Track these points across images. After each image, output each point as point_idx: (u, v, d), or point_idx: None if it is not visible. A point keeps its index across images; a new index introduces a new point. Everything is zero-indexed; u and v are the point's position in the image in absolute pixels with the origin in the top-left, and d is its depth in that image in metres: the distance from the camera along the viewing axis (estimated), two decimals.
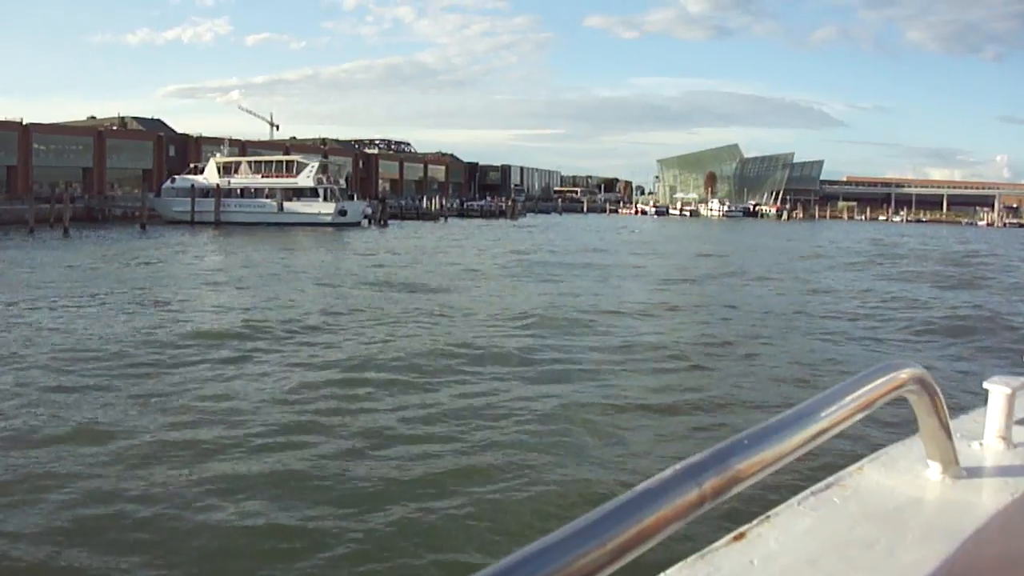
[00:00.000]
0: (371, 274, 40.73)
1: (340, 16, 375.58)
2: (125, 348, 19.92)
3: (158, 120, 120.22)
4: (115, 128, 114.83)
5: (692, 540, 1.13)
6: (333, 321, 24.81)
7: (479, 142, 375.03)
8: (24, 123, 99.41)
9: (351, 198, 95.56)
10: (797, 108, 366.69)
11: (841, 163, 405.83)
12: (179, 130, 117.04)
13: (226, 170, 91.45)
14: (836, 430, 1.66)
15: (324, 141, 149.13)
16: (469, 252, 58.40)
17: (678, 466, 1.29)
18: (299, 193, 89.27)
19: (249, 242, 66.58)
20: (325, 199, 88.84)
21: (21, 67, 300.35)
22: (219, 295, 31.69)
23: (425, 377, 17.29)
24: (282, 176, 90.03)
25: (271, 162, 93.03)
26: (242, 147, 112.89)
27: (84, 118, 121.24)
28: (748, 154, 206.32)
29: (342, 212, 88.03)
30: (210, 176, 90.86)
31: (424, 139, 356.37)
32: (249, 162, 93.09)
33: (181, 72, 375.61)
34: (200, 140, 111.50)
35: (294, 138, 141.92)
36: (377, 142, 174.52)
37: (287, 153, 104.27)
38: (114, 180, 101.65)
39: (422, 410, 14.84)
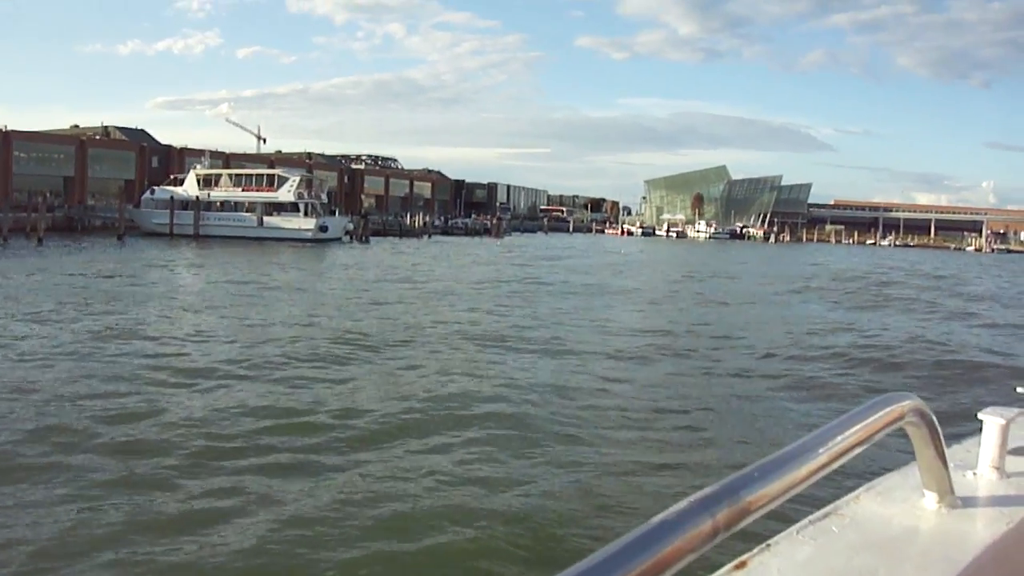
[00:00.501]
0: (342, 298, 39.09)
1: (331, 31, 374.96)
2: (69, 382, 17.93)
3: (141, 130, 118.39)
4: (98, 137, 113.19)
5: (693, 569, 1.15)
6: (283, 359, 21.31)
7: (467, 160, 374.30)
8: (5, 129, 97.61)
9: (333, 213, 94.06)
10: (785, 131, 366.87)
11: (828, 186, 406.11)
12: (169, 142, 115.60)
13: (206, 182, 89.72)
14: (841, 461, 1.70)
15: (310, 155, 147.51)
16: (444, 273, 56.98)
17: (692, 498, 1.31)
18: (280, 208, 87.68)
19: (226, 257, 64.86)
20: (306, 214, 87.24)
21: (8, 75, 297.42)
22: (184, 319, 29.94)
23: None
24: (263, 190, 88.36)
25: (251, 175, 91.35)
26: (226, 159, 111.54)
27: (68, 127, 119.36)
28: (736, 176, 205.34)
29: (323, 228, 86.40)
30: (190, 188, 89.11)
31: (412, 156, 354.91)
32: (229, 175, 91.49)
33: (171, 84, 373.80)
34: (184, 151, 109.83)
35: (280, 151, 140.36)
36: (364, 158, 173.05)
37: (272, 167, 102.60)
38: (96, 190, 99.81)
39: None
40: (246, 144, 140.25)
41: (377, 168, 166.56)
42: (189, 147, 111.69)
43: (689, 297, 44.75)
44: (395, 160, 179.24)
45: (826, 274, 68.06)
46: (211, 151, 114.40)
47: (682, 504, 1.27)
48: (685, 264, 79.68)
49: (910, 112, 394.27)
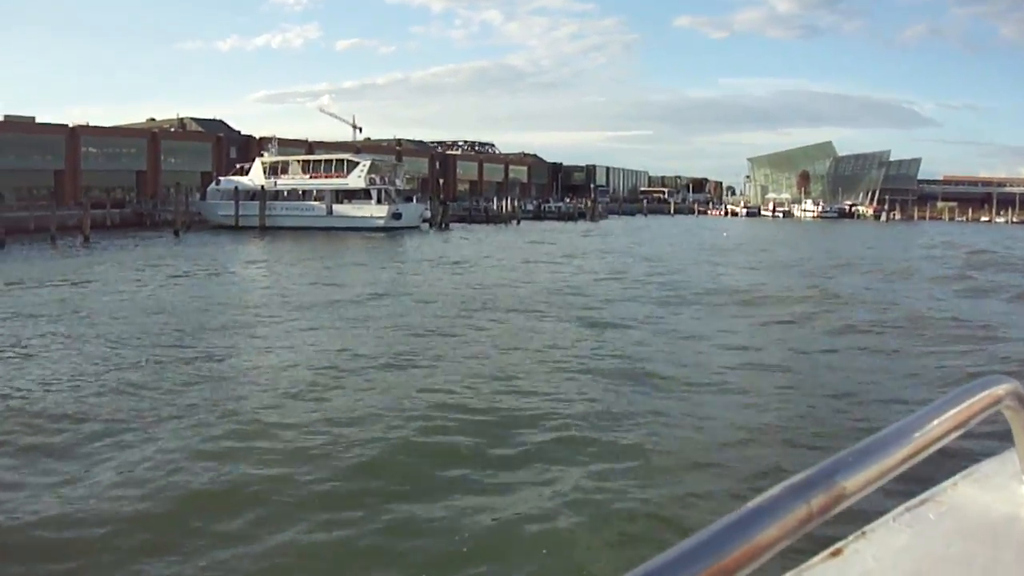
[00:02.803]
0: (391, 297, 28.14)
1: (429, 20, 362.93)
2: None
3: (219, 121, 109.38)
4: (172, 130, 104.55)
5: (787, 555, 1.17)
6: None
7: (568, 144, 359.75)
8: (71, 126, 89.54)
9: (409, 199, 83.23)
10: (887, 107, 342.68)
11: (932, 162, 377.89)
12: (269, 134, 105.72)
13: (273, 170, 79.92)
14: (936, 446, 1.60)
15: (399, 142, 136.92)
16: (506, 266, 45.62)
17: (786, 483, 1.25)
18: (351, 195, 77.42)
19: (291, 251, 55.82)
20: (379, 201, 76.73)
21: (113, 75, 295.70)
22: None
23: None
24: (332, 176, 78.10)
25: (320, 161, 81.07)
26: (309, 148, 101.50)
27: (144, 120, 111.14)
28: (841, 153, 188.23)
29: (396, 215, 75.92)
30: (256, 177, 79.53)
31: (512, 142, 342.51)
32: (297, 161, 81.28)
33: (271, 78, 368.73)
34: (262, 140, 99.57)
35: (369, 139, 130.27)
36: (460, 143, 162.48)
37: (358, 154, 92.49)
38: (171, 183, 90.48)
39: None
40: (344, 135, 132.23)
41: (472, 153, 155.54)
42: (267, 136, 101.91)
43: (850, 314, 28.37)
44: (492, 145, 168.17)
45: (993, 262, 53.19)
46: (294, 140, 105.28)
47: (776, 489, 1.22)
48: (802, 249, 65.62)
49: (1015, 85, 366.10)
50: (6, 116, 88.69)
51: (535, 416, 14.40)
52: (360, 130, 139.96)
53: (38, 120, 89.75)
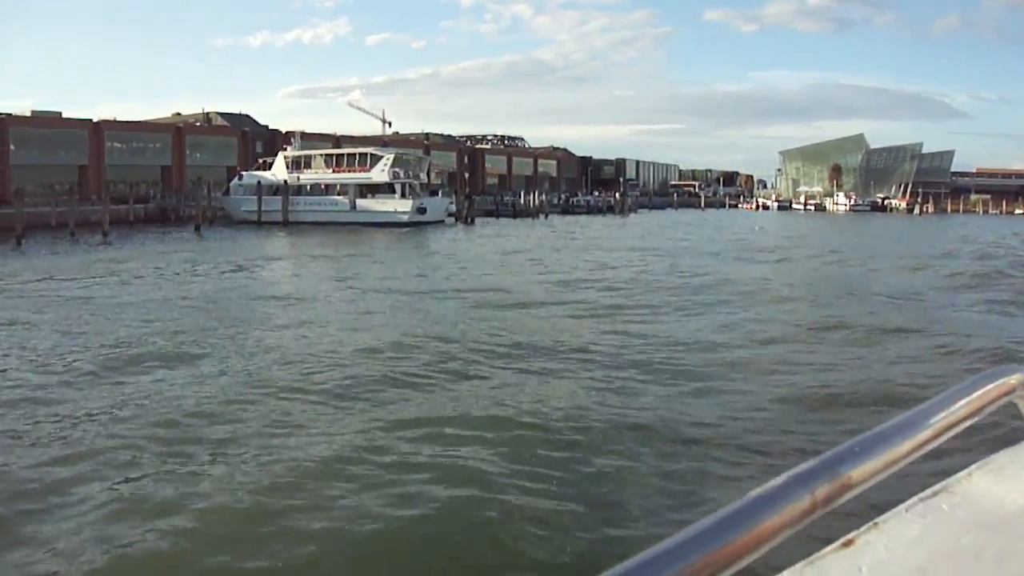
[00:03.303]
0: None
1: (459, 15, 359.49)
2: None
3: (244, 115, 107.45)
4: (198, 124, 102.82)
5: (798, 546, 1.17)
6: None
7: (598, 138, 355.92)
8: (96, 120, 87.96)
9: (435, 194, 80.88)
10: (918, 100, 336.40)
11: (965, 155, 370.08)
12: (301, 129, 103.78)
13: (296, 165, 77.81)
14: (946, 436, 1.59)
15: (427, 136, 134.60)
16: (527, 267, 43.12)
17: (789, 473, 1.24)
18: (374, 189, 75.08)
19: (310, 247, 53.50)
20: (403, 195, 74.44)
21: (146, 71, 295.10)
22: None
23: None
24: (355, 170, 75.90)
25: (343, 155, 78.88)
26: (336, 142, 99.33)
27: (170, 115, 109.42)
28: (873, 146, 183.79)
29: (421, 210, 73.49)
30: (278, 172, 77.52)
31: (542, 136, 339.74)
32: (320, 155, 79.14)
33: (302, 73, 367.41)
34: (289, 135, 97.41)
35: (397, 133, 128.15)
36: (489, 137, 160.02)
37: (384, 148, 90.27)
38: (196, 178, 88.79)
39: None
40: (374, 130, 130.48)
41: (501, 147, 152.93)
42: (294, 131, 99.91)
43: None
44: (521, 139, 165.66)
45: None
46: (320, 134, 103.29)
47: (779, 479, 1.21)
48: (840, 246, 59.82)
49: None
50: (33, 112, 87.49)
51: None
52: (389, 124, 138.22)
53: (65, 116, 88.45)
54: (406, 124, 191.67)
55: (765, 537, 1.12)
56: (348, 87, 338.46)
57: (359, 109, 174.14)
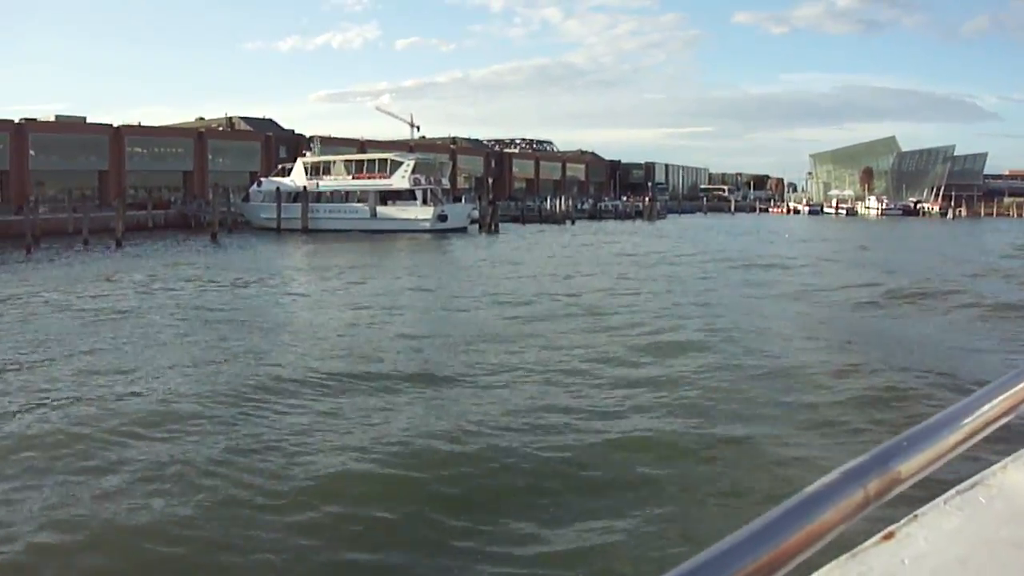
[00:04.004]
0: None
1: (488, 19, 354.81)
2: None
3: (268, 120, 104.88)
4: (220, 128, 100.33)
5: (840, 539, 1.19)
6: None
7: (628, 141, 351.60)
8: (116, 125, 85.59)
9: (457, 200, 77.81)
10: (948, 102, 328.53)
11: (995, 157, 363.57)
12: (331, 134, 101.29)
13: (315, 170, 74.90)
14: (990, 429, 1.59)
15: (454, 140, 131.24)
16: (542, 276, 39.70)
17: (842, 469, 1.24)
18: (395, 196, 72.09)
19: (327, 258, 50.25)
20: (424, 202, 71.35)
21: (177, 77, 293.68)
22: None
23: None
24: (375, 176, 72.88)
25: (363, 161, 75.79)
26: (361, 147, 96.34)
27: (193, 119, 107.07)
28: (903, 148, 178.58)
29: (442, 217, 70.34)
30: (297, 178, 74.63)
31: (572, 139, 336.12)
32: (339, 161, 76.14)
33: (332, 78, 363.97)
34: (313, 139, 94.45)
35: (423, 137, 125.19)
36: (518, 141, 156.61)
37: (410, 153, 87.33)
38: (218, 184, 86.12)
39: None
40: (404, 134, 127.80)
41: (529, 151, 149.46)
42: (332, 136, 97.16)
43: None
44: (550, 143, 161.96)
45: None
46: (345, 139, 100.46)
47: (834, 475, 1.21)
48: (883, 259, 52.38)
49: None
50: (57, 116, 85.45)
51: None
52: (418, 128, 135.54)
53: (89, 121, 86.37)
54: (435, 128, 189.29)
55: (822, 532, 1.11)
56: (378, 91, 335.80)
57: (387, 113, 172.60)
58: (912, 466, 1.31)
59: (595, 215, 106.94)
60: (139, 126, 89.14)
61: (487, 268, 44.26)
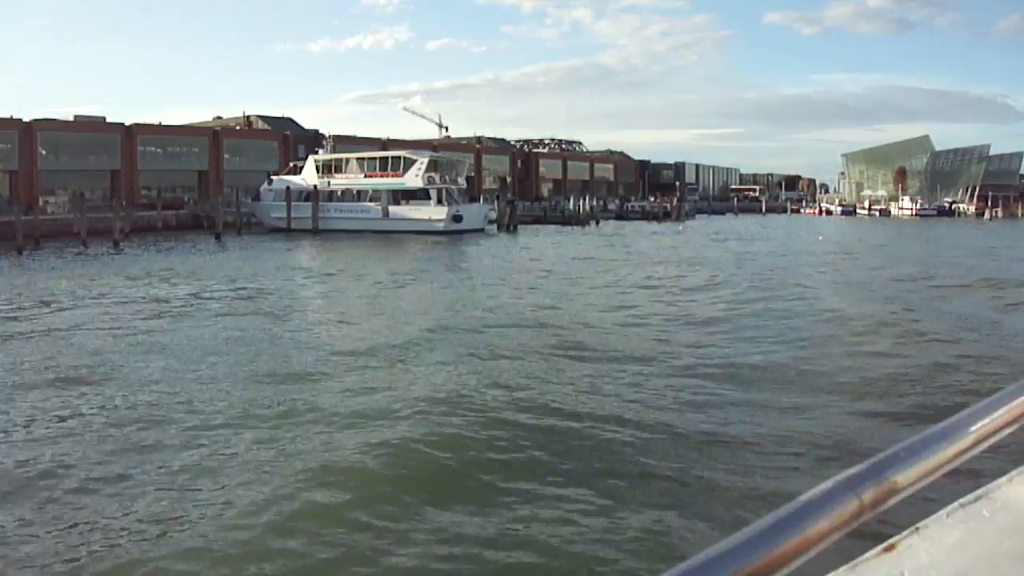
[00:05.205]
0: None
1: (519, 20, 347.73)
2: None
3: (287, 119, 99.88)
4: (238, 127, 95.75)
5: (838, 549, 1.19)
6: None
7: (659, 142, 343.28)
8: (128, 124, 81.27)
9: (474, 200, 72.71)
10: (981, 102, 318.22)
11: None
12: (366, 135, 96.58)
13: (327, 169, 70.00)
14: (989, 442, 1.54)
15: (479, 139, 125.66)
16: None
17: (837, 477, 1.21)
18: (409, 195, 67.06)
19: (331, 263, 45.37)
20: (438, 202, 66.23)
21: (209, 78, 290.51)
22: None
23: None
24: (387, 175, 67.86)
25: (375, 159, 70.68)
26: (383, 146, 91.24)
27: (211, 119, 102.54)
28: (936, 148, 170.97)
29: (456, 217, 65.21)
30: (308, 177, 69.82)
31: (601, 140, 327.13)
32: (351, 159, 71.18)
33: (363, 79, 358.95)
34: (333, 138, 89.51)
35: (448, 137, 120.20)
36: (547, 141, 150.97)
37: (435, 152, 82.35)
38: (235, 183, 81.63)
39: None
40: (431, 134, 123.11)
41: (557, 151, 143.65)
42: (338, 134, 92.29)
43: None
44: (579, 143, 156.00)
45: None
46: (367, 138, 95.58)
47: (827, 483, 1.18)
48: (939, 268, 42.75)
49: None
50: (76, 117, 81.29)
51: None
52: (446, 129, 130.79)
53: (109, 120, 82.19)
54: (465, 129, 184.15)
55: (814, 540, 1.09)
56: (409, 93, 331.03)
57: (414, 113, 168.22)
58: (910, 476, 1.27)
59: (622, 216, 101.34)
60: (152, 125, 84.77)
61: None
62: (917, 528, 1.79)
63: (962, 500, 1.92)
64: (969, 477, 1.78)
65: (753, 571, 1.00)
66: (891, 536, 1.73)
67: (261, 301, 29.17)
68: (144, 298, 29.44)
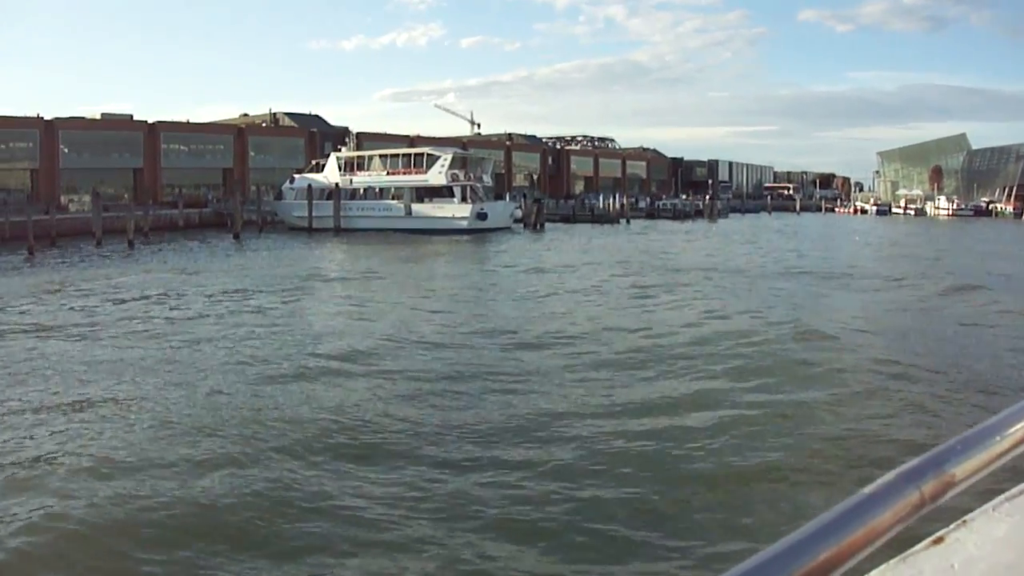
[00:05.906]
0: None
1: (553, 17, 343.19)
2: None
3: (314, 115, 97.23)
4: (264, 124, 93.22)
5: (889, 543, 1.20)
6: None
7: (692, 139, 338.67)
8: (150, 122, 79.02)
9: (499, 197, 69.62)
10: (1016, 100, 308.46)
11: None
12: (404, 133, 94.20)
13: (349, 166, 67.21)
14: None
15: (510, 136, 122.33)
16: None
17: (898, 470, 1.21)
18: (432, 192, 64.11)
19: (351, 264, 43.09)
20: (463, 199, 63.20)
21: (241, 76, 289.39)
22: None
23: None
24: (410, 172, 64.94)
25: (398, 156, 67.69)
26: (410, 143, 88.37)
27: (237, 116, 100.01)
28: (972, 147, 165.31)
29: (481, 215, 62.14)
30: (330, 174, 67.11)
31: (633, 137, 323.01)
32: (374, 156, 68.28)
33: (397, 77, 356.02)
34: (360, 135, 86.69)
35: (479, 134, 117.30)
36: (579, 138, 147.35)
37: (464, 149, 79.35)
38: (261, 181, 79.11)
39: None
40: (463, 131, 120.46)
41: (589, 148, 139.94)
42: (365, 131, 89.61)
43: None
44: (612, 140, 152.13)
45: None
46: (396, 135, 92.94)
47: (889, 476, 1.18)
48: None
49: None
50: (103, 115, 79.15)
51: None
52: (478, 126, 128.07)
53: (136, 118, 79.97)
54: (499, 126, 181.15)
55: (878, 533, 1.08)
56: (443, 90, 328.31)
57: (447, 111, 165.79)
58: (967, 469, 1.26)
59: (653, 214, 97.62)
60: (175, 122, 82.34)
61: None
62: (965, 521, 1.75)
63: (1008, 494, 1.87)
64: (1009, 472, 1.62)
65: (820, 564, 0.99)
66: (940, 529, 1.70)
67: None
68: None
